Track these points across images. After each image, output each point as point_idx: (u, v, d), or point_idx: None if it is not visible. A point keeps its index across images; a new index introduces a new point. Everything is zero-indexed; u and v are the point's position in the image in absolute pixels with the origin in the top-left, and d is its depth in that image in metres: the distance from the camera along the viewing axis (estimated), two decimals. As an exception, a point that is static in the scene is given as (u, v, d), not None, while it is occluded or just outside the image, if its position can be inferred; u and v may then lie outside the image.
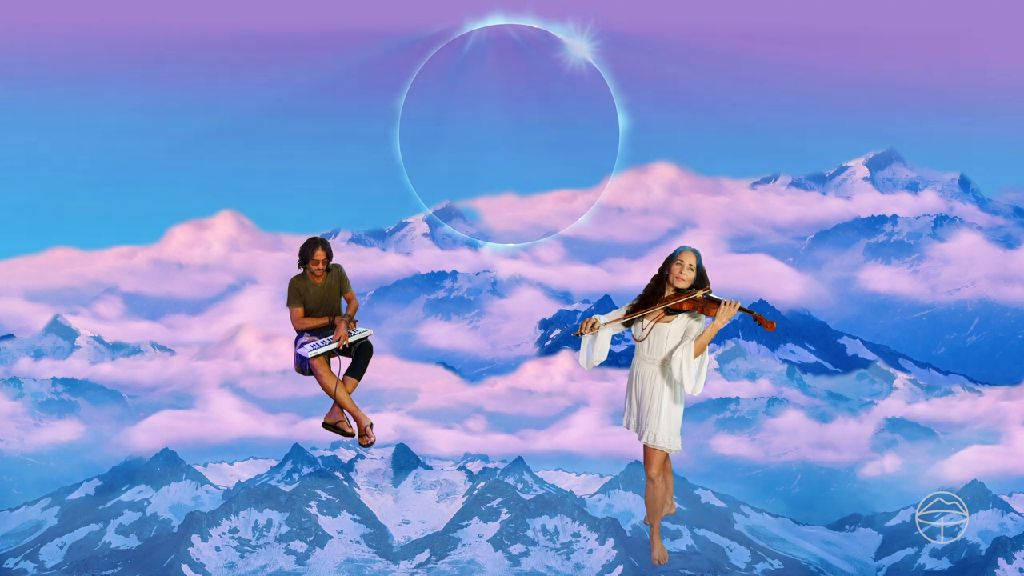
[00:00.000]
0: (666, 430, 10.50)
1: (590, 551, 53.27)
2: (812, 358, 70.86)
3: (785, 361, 68.80)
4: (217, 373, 65.82)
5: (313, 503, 55.05)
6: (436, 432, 62.51)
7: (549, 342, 71.92)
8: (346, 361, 12.00)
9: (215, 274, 75.15)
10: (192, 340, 70.20)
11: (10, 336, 68.18)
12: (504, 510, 54.78)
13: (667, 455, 10.61)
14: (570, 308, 74.06)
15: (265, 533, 54.00)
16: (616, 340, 10.59)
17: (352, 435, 12.10)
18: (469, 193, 73.60)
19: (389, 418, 61.91)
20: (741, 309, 10.22)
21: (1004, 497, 56.74)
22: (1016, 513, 55.96)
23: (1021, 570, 52.47)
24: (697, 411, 62.78)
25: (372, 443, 12.03)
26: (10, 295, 71.58)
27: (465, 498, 55.72)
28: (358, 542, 53.90)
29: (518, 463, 57.26)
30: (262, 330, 68.07)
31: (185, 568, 51.98)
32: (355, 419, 12.01)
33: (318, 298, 11.92)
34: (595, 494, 56.93)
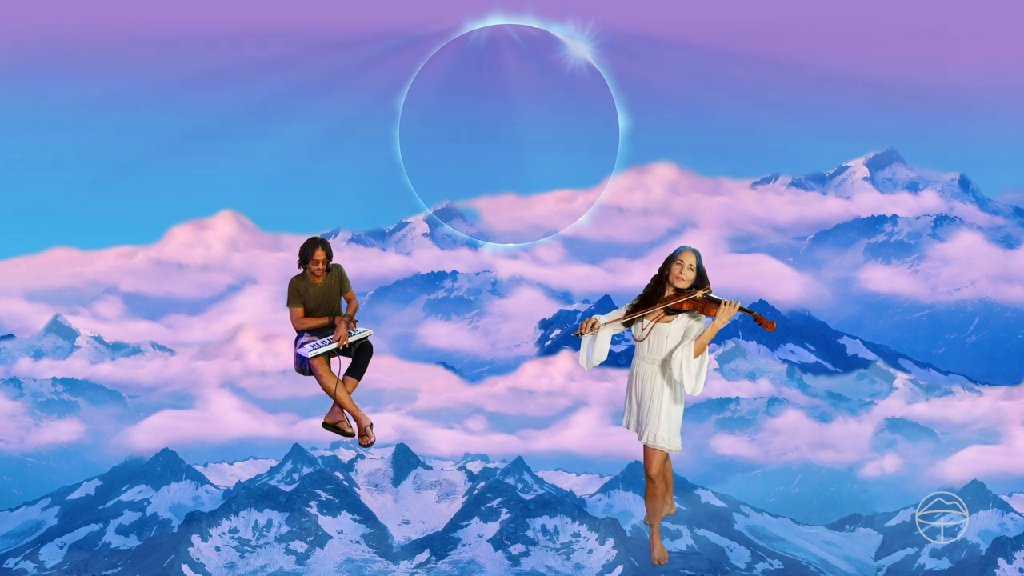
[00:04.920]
0: (666, 430, 10.49)
1: (590, 551, 53.27)
2: (812, 358, 70.86)
3: (785, 361, 68.81)
4: (217, 373, 65.84)
5: (313, 503, 55.05)
6: (436, 432, 62.53)
7: (549, 342, 71.93)
8: (346, 361, 11.99)
9: (215, 274, 75.18)
10: (192, 340, 70.24)
11: (10, 336, 68.18)
12: (504, 510, 54.78)
13: (667, 455, 10.61)
14: (570, 308, 74.07)
15: (265, 533, 54.00)
16: (616, 340, 10.58)
17: (352, 435, 12.10)
18: (469, 193, 73.65)
19: (389, 418, 61.93)
20: (741, 309, 10.23)
21: (1004, 497, 56.74)
22: (1016, 513, 55.96)
23: (1021, 570, 52.47)
24: (697, 411, 62.78)
25: (372, 443, 12.03)
26: (10, 295, 71.61)
27: (465, 498, 55.73)
28: (358, 542, 53.91)
29: (518, 463, 57.26)
30: (262, 330, 68.11)
31: (185, 568, 51.98)
32: (355, 419, 12.01)
33: (318, 298, 11.92)
34: (595, 494, 56.93)
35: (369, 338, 12.06)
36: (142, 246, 76.41)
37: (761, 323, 10.25)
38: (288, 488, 55.72)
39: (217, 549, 53.12)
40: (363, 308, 12.43)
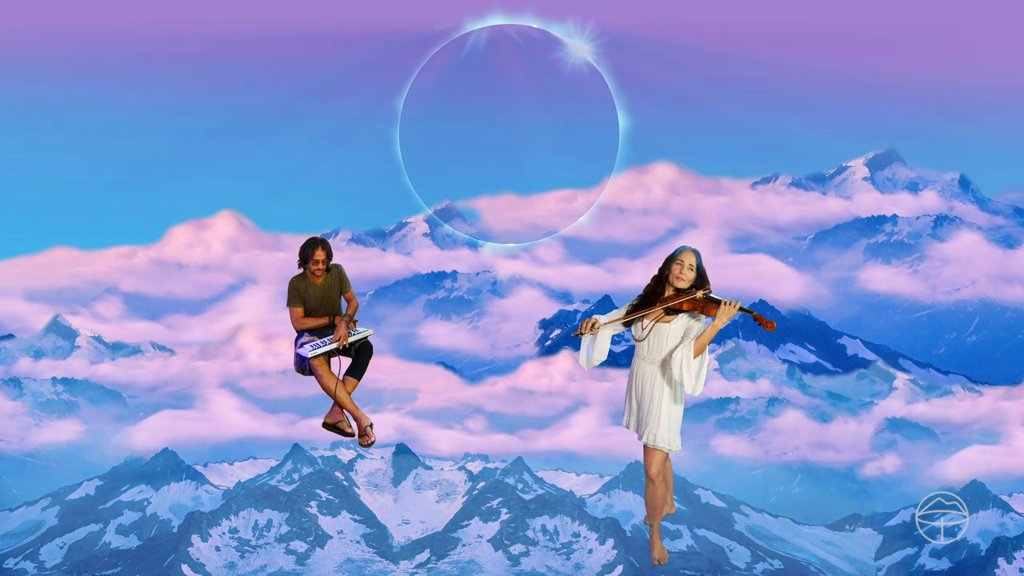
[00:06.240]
0: (666, 430, 10.49)
1: (590, 551, 53.26)
2: (812, 358, 70.86)
3: (785, 361, 68.81)
4: (217, 373, 65.83)
5: (313, 503, 55.05)
6: (436, 432, 62.51)
7: (549, 342, 71.92)
8: (346, 361, 11.99)
9: (215, 274, 75.18)
10: (192, 340, 70.24)
11: (10, 336, 68.17)
12: (504, 510, 54.77)
13: (667, 455, 10.61)
14: (570, 308, 74.07)
15: (265, 533, 54.00)
16: (616, 340, 10.58)
17: (352, 435, 12.10)
18: (469, 193, 73.66)
19: (389, 418, 61.93)
20: (741, 309, 10.22)
21: (1004, 497, 56.74)
22: (1016, 513, 55.96)
23: (1021, 570, 52.46)
24: (697, 411, 62.78)
25: (372, 443, 12.03)
26: (10, 295, 71.60)
27: (465, 498, 55.72)
28: (358, 542, 53.90)
29: (518, 463, 57.26)
30: (262, 330, 68.10)
31: (185, 568, 51.98)
32: (355, 419, 12.01)
33: (318, 298, 11.92)
34: (595, 494, 56.94)
35: (369, 338, 12.06)
36: (142, 246, 76.44)
37: (761, 323, 10.25)
38: (288, 488, 55.71)
39: (217, 549, 53.12)
40: (363, 308, 12.43)
